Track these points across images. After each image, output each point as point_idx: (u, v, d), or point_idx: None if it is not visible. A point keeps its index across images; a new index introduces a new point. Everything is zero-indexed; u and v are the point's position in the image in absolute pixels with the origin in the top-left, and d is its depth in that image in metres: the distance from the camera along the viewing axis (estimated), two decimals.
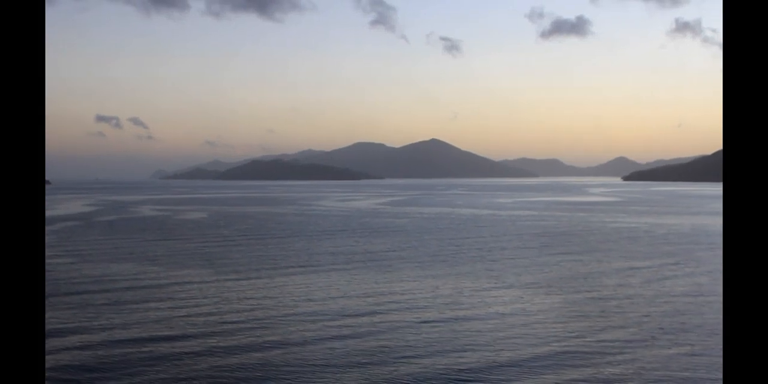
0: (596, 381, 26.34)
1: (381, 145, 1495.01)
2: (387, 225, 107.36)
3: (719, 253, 68.15)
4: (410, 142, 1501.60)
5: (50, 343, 31.18)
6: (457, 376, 26.87)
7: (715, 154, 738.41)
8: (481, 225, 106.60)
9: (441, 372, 27.45)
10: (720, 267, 57.95)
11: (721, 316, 38.11)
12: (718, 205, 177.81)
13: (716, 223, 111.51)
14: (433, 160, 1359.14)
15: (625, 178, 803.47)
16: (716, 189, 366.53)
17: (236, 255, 67.52)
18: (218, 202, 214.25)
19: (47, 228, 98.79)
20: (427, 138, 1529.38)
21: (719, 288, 47.11)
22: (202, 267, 58.55)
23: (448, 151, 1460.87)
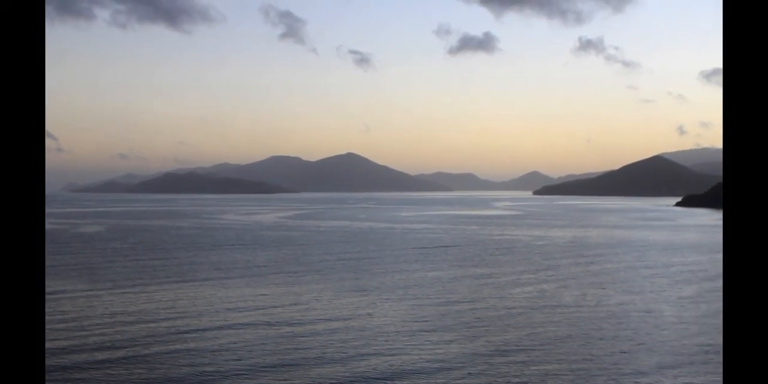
0: (412, 378, 29.45)
1: (297, 159, 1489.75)
2: (279, 238, 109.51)
3: (583, 265, 72.82)
4: (326, 156, 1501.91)
5: None
6: (283, 376, 29.65)
7: (621, 169, 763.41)
8: (370, 238, 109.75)
9: (274, 376, 30.19)
10: (573, 275, 62.34)
11: (547, 317, 41.94)
12: (610, 218, 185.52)
13: (597, 235, 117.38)
14: (349, 174, 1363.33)
15: (536, 192, 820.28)
16: (617, 203, 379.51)
17: (118, 267, 68.77)
18: (121, 215, 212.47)
19: None
20: (342, 151, 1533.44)
21: (561, 296, 51.22)
22: (79, 279, 59.71)
23: (365, 165, 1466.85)
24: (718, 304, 47.44)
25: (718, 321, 41.70)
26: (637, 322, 41.32)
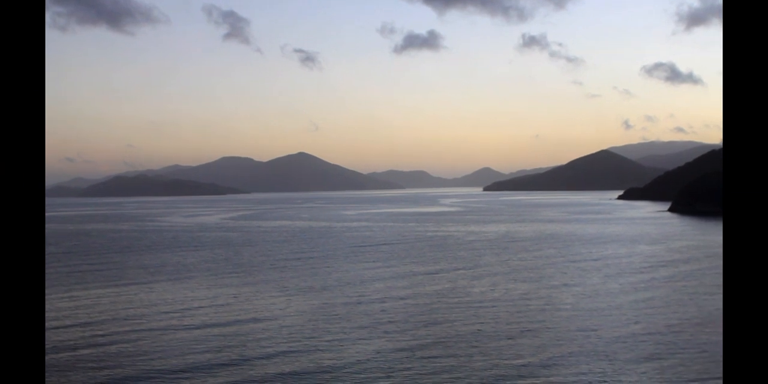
0: (313, 371, 31.30)
1: (248, 160, 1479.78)
2: (215, 239, 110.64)
3: (504, 259, 75.27)
4: (277, 156, 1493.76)
5: None
6: (187, 369, 31.31)
7: (569, 164, 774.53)
8: (307, 237, 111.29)
9: (174, 369, 31.83)
10: (490, 269, 64.68)
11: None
12: (548, 213, 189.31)
13: (529, 229, 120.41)
14: (301, 174, 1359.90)
15: (486, 188, 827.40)
16: (563, 197, 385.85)
17: (49, 272, 69.16)
18: (63, 219, 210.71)
19: None
20: (292, 151, 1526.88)
21: (472, 289, 53.48)
22: None
23: (316, 164, 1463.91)
24: (623, 297, 50.11)
25: (613, 311, 44.32)
26: (534, 311, 43.65)
